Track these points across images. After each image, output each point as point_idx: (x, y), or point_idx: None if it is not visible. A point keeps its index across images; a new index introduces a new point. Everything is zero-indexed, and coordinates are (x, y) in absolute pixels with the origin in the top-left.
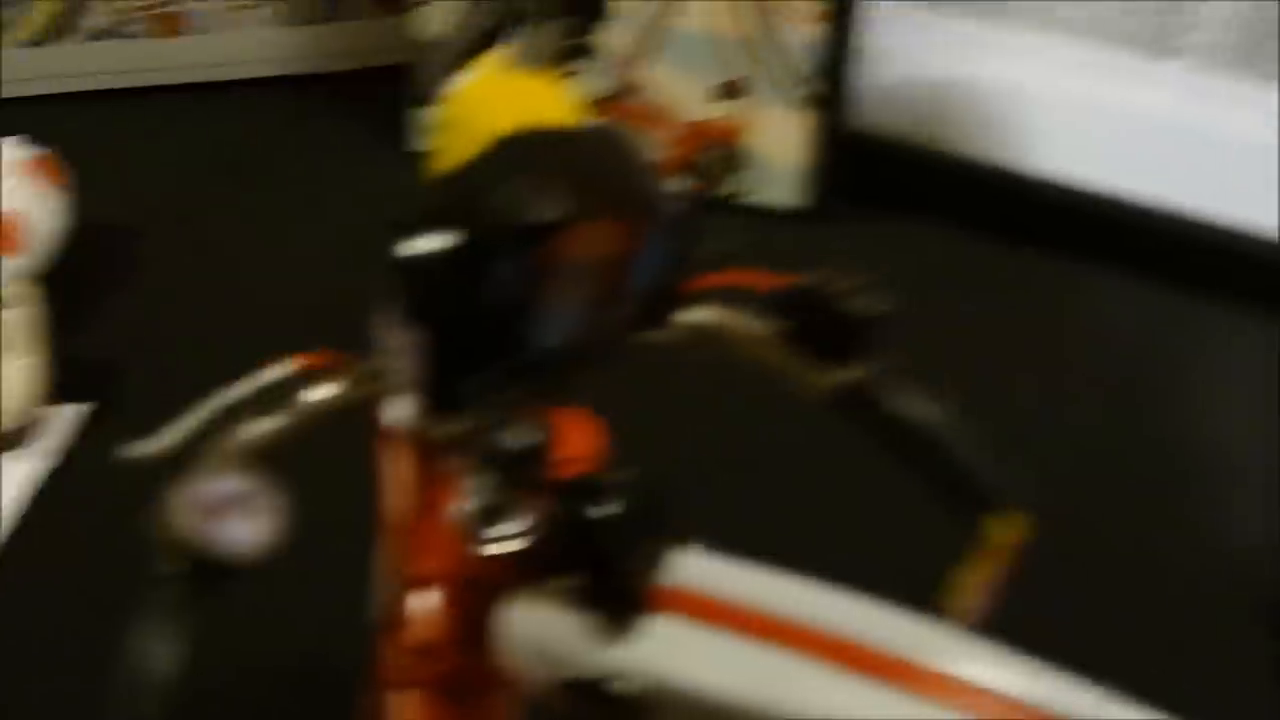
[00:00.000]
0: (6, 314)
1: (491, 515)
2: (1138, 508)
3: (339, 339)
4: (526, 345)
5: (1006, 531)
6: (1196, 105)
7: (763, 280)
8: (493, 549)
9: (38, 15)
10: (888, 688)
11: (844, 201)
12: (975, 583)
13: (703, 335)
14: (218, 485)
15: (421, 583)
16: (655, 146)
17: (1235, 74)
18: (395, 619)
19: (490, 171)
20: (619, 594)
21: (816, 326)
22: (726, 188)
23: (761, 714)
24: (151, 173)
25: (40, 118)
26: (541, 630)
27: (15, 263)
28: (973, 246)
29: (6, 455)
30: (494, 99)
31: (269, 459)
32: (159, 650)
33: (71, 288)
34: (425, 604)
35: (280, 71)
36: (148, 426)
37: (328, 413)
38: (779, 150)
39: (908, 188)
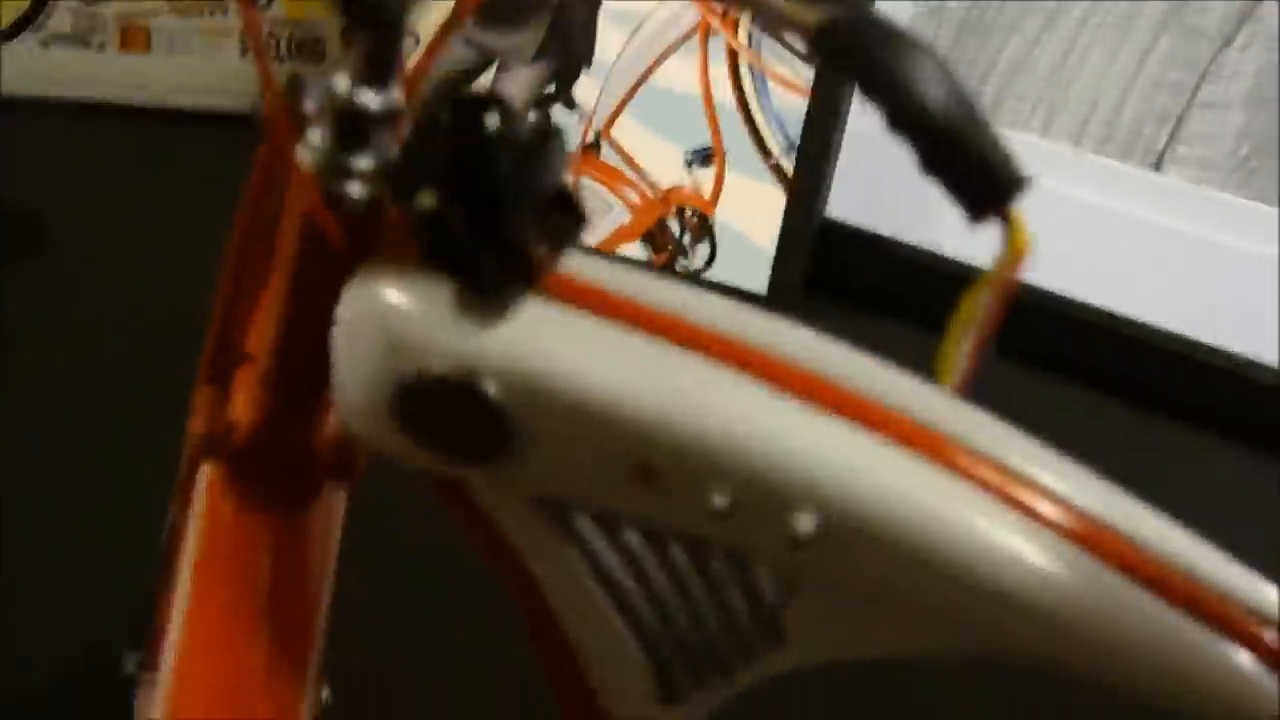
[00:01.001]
0: None
1: (347, 135)
2: None
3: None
4: None
5: (1012, 245)
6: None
7: None
8: (348, 188)
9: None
10: (808, 406)
11: (809, 290)
12: (971, 326)
13: None
14: None
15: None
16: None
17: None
18: (212, 372)
19: None
20: (506, 253)
21: None
22: (691, 261)
23: (657, 423)
24: (86, 180)
25: None
26: (392, 307)
27: None
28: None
29: None
30: None
31: None
32: None
33: None
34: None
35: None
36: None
37: None
38: (749, 228)
39: (875, 282)
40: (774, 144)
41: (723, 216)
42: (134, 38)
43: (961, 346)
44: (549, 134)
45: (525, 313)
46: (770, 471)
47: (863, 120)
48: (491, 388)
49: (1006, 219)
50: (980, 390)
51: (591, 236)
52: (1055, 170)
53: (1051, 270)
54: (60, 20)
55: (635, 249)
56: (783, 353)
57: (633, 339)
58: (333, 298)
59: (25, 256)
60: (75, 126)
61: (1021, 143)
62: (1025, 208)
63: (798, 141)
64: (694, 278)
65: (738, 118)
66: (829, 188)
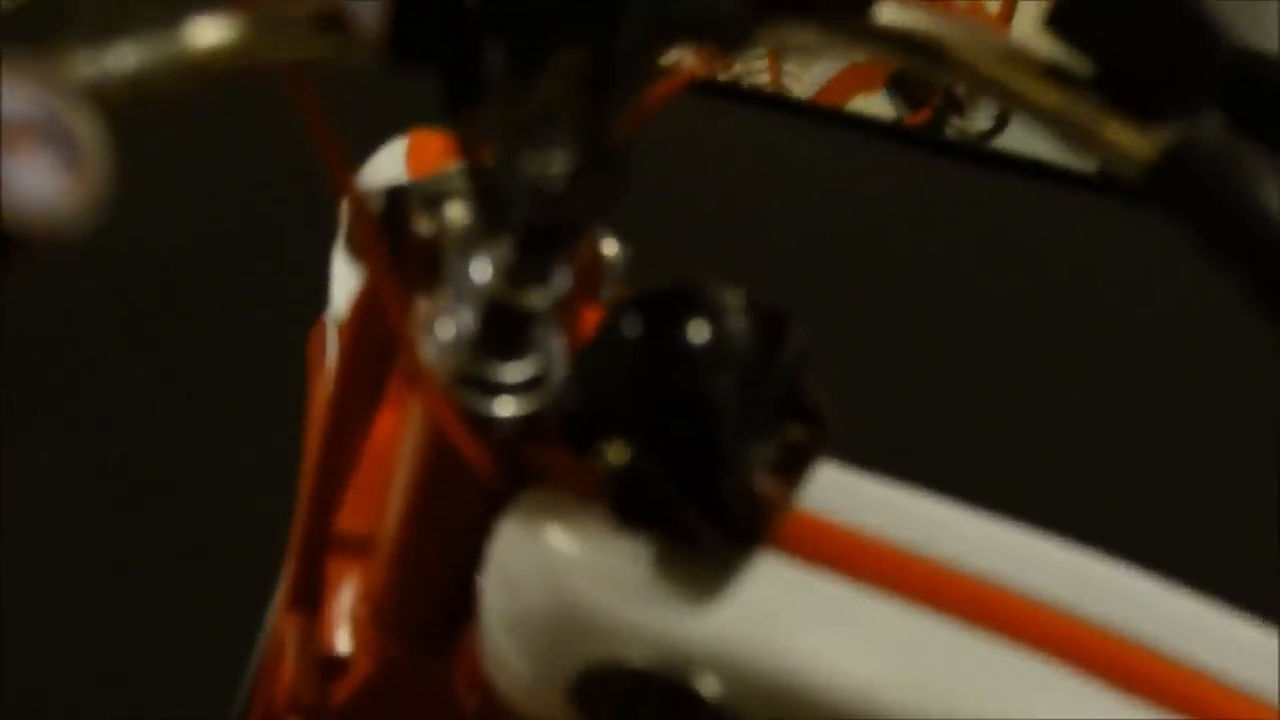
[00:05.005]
0: None
1: (495, 337)
2: None
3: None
4: None
5: None
6: None
7: None
8: (497, 407)
9: None
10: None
11: None
12: None
13: (918, 47)
14: (20, 101)
15: (346, 545)
16: None
17: None
18: (300, 603)
19: None
20: (726, 506)
21: (1122, 51)
22: (968, 123)
23: None
24: None
25: None
26: (570, 569)
27: None
28: None
29: None
30: None
31: (113, 106)
32: None
33: None
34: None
35: None
36: None
37: (229, 69)
38: None
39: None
40: None
41: None
42: None
43: None
44: (779, 323)
45: (752, 580)
46: None
47: None
48: (709, 687)
49: None
50: None
51: (810, 85)
52: None
53: None
54: None
55: (876, 102)
56: (1087, 618)
57: (901, 616)
58: (477, 527)
59: None
60: None
61: None
62: None
63: None
64: (977, 146)
65: None
66: None
